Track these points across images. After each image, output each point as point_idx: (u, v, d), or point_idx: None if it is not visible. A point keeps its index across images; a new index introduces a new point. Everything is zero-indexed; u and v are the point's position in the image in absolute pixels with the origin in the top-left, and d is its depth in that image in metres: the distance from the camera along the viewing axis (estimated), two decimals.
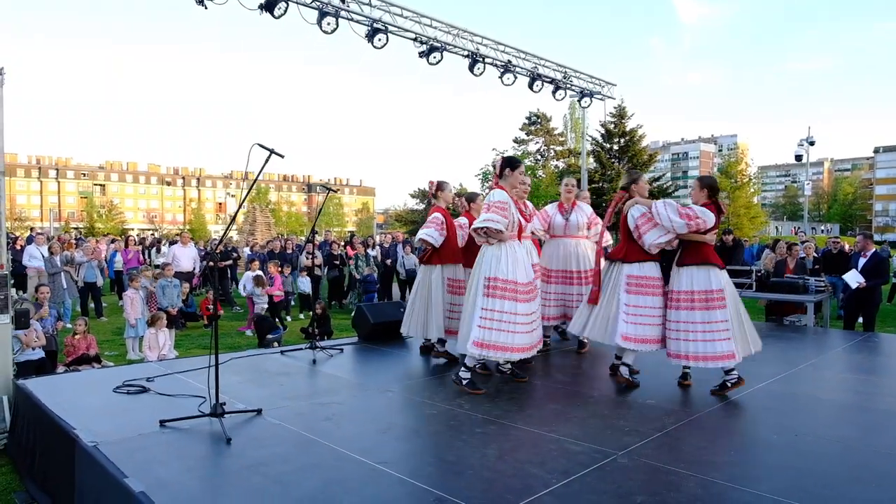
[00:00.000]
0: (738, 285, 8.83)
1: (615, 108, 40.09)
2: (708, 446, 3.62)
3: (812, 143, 22.98)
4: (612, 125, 39.79)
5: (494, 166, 4.94)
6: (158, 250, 17.07)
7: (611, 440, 3.64)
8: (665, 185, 40.82)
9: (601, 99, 11.65)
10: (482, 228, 4.55)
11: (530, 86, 10.28)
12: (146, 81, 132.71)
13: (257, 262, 11.19)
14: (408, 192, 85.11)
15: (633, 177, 5.08)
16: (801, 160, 24.67)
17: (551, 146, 46.86)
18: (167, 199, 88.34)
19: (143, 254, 15.91)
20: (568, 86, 10.74)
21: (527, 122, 46.28)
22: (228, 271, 13.98)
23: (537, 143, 46.29)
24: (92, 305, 11.79)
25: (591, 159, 45.07)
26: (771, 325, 8.93)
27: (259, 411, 4.08)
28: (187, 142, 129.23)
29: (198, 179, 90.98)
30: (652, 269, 4.85)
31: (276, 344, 8.55)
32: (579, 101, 11.40)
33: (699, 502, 2.81)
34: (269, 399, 4.43)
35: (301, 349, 6.27)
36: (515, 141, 44.61)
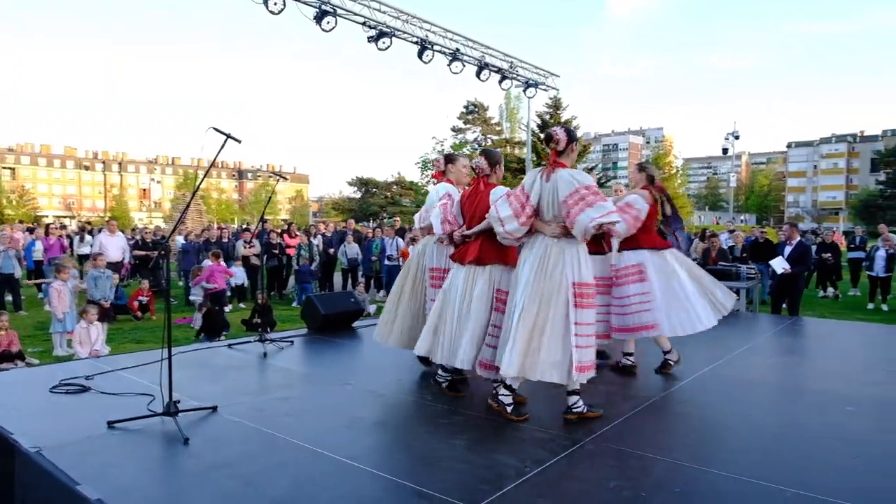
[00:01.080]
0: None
1: (550, 98, 40.79)
2: (669, 430, 3.74)
3: (737, 137, 24.16)
4: (548, 116, 40.48)
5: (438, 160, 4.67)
6: (82, 239, 16.09)
7: (577, 427, 3.68)
8: (598, 177, 41.95)
9: (545, 89, 11.79)
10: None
11: (478, 75, 10.27)
12: (53, 61, 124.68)
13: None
14: (345, 180, 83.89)
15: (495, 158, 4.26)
16: (727, 153, 25.88)
17: (488, 135, 47.20)
18: (85, 184, 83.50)
19: (66, 242, 14.96)
20: (514, 76, 10.80)
21: (464, 110, 46.41)
22: (161, 261, 13.36)
23: (475, 132, 46.50)
24: (9, 298, 11.02)
25: (526, 149, 45.85)
26: None
27: (215, 408, 3.90)
28: (108, 124, 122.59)
29: (120, 164, 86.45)
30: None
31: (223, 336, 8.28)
32: (524, 90, 11.50)
33: (671, 484, 2.89)
34: (224, 395, 4.24)
35: (249, 342, 6.06)
36: (453, 130, 44.65)
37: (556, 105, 39.23)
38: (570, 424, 3.71)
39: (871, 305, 11.47)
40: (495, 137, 47.26)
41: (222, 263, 10.55)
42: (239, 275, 11.98)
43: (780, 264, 9.59)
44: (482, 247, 4.00)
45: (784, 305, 9.77)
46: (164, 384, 3.62)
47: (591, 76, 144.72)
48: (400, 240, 12.48)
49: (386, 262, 12.41)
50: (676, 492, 2.82)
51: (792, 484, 2.89)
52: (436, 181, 4.94)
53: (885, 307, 11.25)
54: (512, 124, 56.11)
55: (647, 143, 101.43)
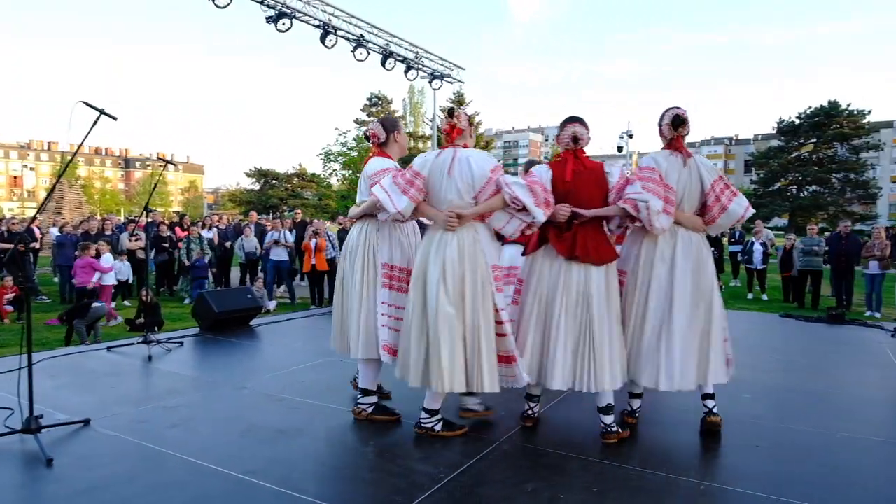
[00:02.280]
0: None
1: (454, 94, 41.08)
2: (580, 427, 3.67)
3: (631, 136, 25.33)
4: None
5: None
6: None
7: (489, 428, 3.55)
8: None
9: (450, 82, 11.69)
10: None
11: (383, 63, 9.97)
12: None
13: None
14: (242, 171, 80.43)
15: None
16: (621, 151, 27.07)
17: None
18: None
19: None
20: (420, 66, 10.59)
21: (368, 102, 45.72)
22: (31, 255, 12.05)
23: None
24: None
25: (430, 144, 45.84)
26: None
27: (86, 422, 3.43)
28: None
29: None
30: None
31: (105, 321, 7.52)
32: (430, 82, 11.33)
33: (586, 483, 2.80)
34: (99, 406, 3.76)
35: (132, 344, 5.48)
36: (356, 122, 43.85)
37: (458, 100, 39.50)
38: (480, 426, 3.58)
39: (750, 295, 12.28)
40: None
41: (91, 258, 9.49)
42: (123, 270, 11.00)
43: None
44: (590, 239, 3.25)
45: None
46: (23, 395, 3.13)
47: (491, 75, 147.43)
48: (288, 233, 11.75)
49: (272, 256, 11.56)
50: (595, 491, 2.73)
51: (701, 476, 2.90)
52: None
53: (764, 297, 12.09)
54: (416, 118, 56.05)
55: (546, 140, 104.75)
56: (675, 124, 3.36)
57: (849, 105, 38.27)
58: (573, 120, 3.38)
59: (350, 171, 37.14)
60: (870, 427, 3.66)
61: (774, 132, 43.88)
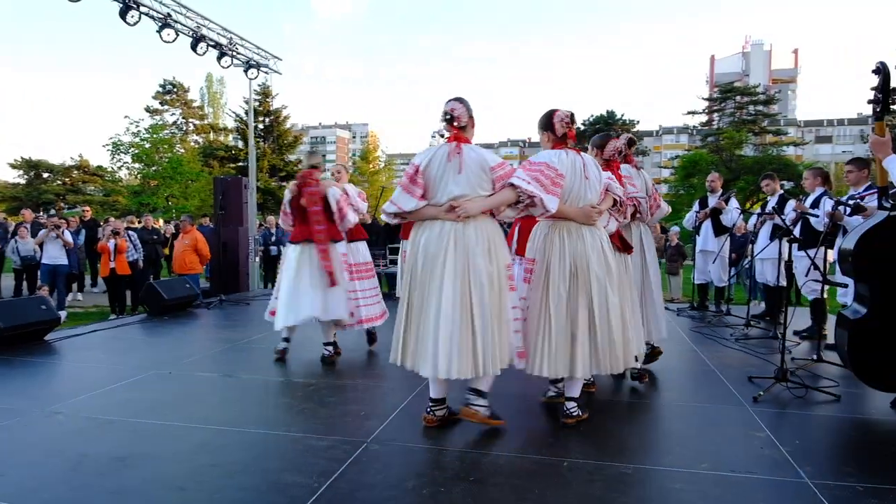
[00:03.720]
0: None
1: (259, 86, 39.19)
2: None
3: (443, 136, 26.22)
4: (257, 103, 38.83)
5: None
6: None
7: (353, 428, 3.47)
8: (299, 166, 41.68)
9: (267, 72, 11.13)
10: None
11: (193, 47, 9.14)
12: None
13: None
14: (6, 162, 69.00)
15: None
16: None
17: (190, 119, 43.36)
18: None
19: None
20: (234, 53, 9.92)
21: (160, 90, 41.80)
22: None
23: (174, 114, 42.24)
24: None
25: (232, 137, 43.23)
26: None
27: None
28: None
29: None
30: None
31: None
32: (245, 71, 10.67)
33: (463, 473, 2.86)
34: None
35: None
36: (148, 110, 39.91)
37: (265, 93, 37.79)
38: (342, 425, 3.49)
39: None
40: (198, 122, 43.68)
41: None
42: None
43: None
44: None
45: None
46: None
47: (295, 69, 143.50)
48: (68, 232, 10.28)
49: (44, 259, 9.86)
50: (472, 480, 2.81)
51: (578, 455, 3.12)
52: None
53: None
54: (215, 109, 52.52)
55: (354, 137, 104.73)
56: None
57: (623, 115, 43.75)
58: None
59: (142, 165, 33.64)
60: (686, 394, 4.25)
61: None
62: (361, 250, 5.56)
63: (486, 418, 3.41)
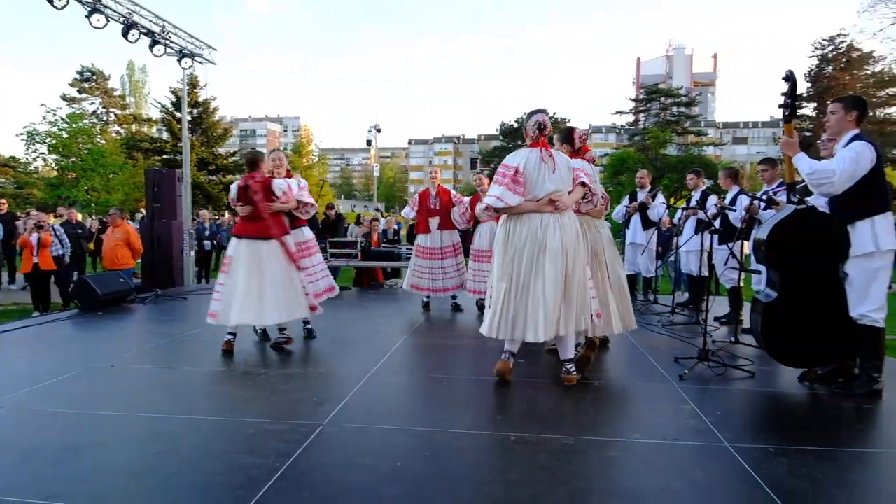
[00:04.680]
0: (346, 255, 9.57)
1: (187, 75, 37.80)
2: (393, 402, 3.88)
3: (379, 130, 26.27)
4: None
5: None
6: None
7: (307, 413, 3.56)
8: (242, 162, 40.54)
9: (201, 62, 10.85)
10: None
11: (125, 34, 8.81)
12: None
13: None
14: None
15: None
16: (370, 144, 27.93)
17: (111, 108, 41.39)
18: None
19: None
20: (167, 42, 9.63)
21: (78, 77, 39.72)
22: None
23: (94, 103, 40.22)
24: None
25: (156, 129, 41.53)
26: (374, 291, 9.98)
27: None
28: None
29: None
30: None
31: None
32: (179, 60, 10.37)
33: (417, 450, 3.02)
34: None
35: None
36: (65, 99, 37.84)
37: (192, 83, 36.51)
38: (295, 410, 3.58)
39: None
40: (120, 112, 41.76)
41: None
42: None
43: None
44: None
45: None
46: None
47: (225, 60, 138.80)
48: None
49: None
50: (427, 455, 2.97)
51: (523, 430, 3.32)
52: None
53: None
54: (137, 99, 50.32)
55: (286, 130, 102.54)
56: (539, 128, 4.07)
57: (555, 113, 44.86)
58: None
59: (60, 156, 31.85)
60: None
61: (497, 133, 49.42)
62: (305, 232, 5.64)
63: (577, 378, 4.15)
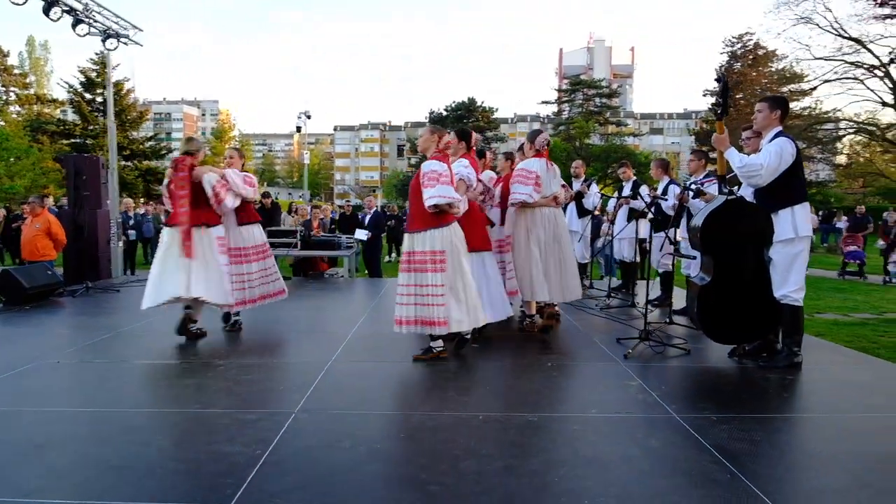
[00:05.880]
0: (284, 245, 9.50)
1: (96, 54, 35.68)
2: (359, 387, 3.99)
3: (309, 117, 25.75)
4: (94, 73, 35.38)
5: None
6: None
7: (277, 401, 3.63)
8: (158, 147, 38.72)
9: (126, 43, 10.35)
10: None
11: (46, 12, 8.29)
12: None
13: None
14: None
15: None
16: (300, 131, 27.34)
17: (10, 88, 38.45)
18: None
19: None
20: (91, 20, 9.14)
21: None
22: None
23: None
24: None
25: (60, 111, 38.93)
26: (316, 281, 9.95)
27: None
28: None
29: None
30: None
31: None
32: (104, 41, 9.87)
33: (393, 431, 3.17)
34: None
35: None
36: None
37: (103, 63, 34.47)
38: (264, 399, 3.64)
39: None
40: (22, 91, 38.87)
41: None
42: None
43: (364, 234, 10.94)
44: None
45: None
46: None
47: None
48: None
49: None
50: (402, 437, 3.12)
51: (490, 409, 3.51)
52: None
53: None
54: (38, 78, 47.01)
55: (204, 115, 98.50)
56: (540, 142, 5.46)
57: (483, 102, 45.46)
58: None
59: None
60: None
61: (426, 121, 49.47)
62: (255, 234, 5.59)
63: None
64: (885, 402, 3.74)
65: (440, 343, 4.53)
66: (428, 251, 4.36)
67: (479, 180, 5.18)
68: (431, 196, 4.26)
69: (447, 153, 4.63)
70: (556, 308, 5.98)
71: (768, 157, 4.09)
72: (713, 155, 4.66)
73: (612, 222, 8.13)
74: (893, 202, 30.56)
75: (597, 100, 45.43)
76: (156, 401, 3.65)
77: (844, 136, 27.95)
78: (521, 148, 5.83)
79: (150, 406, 3.53)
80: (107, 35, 9.80)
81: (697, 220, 4.49)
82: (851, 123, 26.19)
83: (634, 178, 8.11)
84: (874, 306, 9.35)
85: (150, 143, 37.22)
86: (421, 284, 4.38)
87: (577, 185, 8.57)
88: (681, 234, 6.19)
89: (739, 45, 39.88)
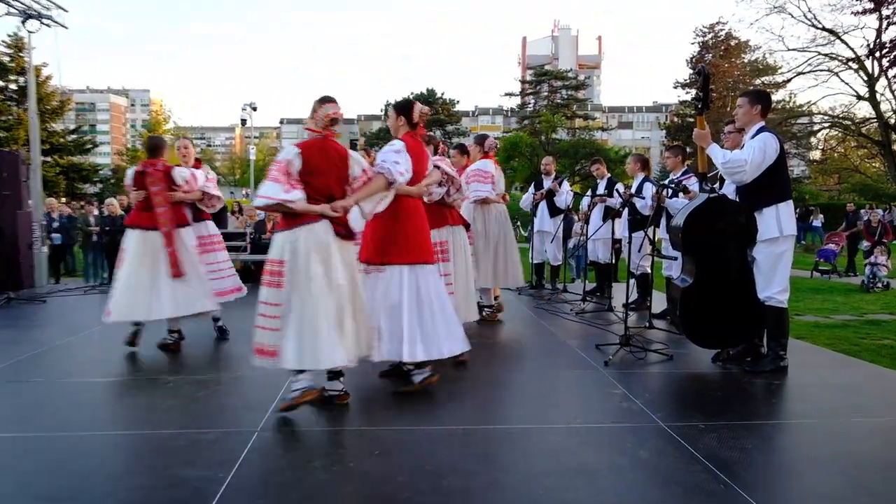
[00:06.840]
0: (233, 249, 9.40)
1: (9, 36, 34.39)
2: (325, 403, 3.98)
3: (255, 109, 25.37)
4: (8, 58, 34.08)
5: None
6: None
7: (237, 419, 3.61)
8: (82, 141, 37.57)
9: (49, 25, 10.05)
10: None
11: None
12: None
13: None
14: None
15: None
16: (245, 124, 26.93)
17: None
18: None
19: None
20: (8, 1, 8.84)
21: None
22: None
23: None
24: None
25: (29, 100, 37.29)
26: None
27: None
28: None
29: None
30: None
31: None
32: (24, 22, 9.56)
33: (366, 449, 3.18)
34: None
35: None
36: None
37: (17, 46, 33.24)
38: (223, 417, 3.61)
39: None
40: None
41: None
42: None
43: None
44: None
45: None
46: None
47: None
48: None
49: None
50: (377, 454, 3.14)
51: (468, 422, 3.55)
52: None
53: None
54: None
55: (133, 105, 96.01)
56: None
57: (443, 93, 45.62)
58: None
59: None
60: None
61: (381, 114, 49.39)
62: (209, 226, 5.56)
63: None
64: (874, 404, 3.95)
65: (304, 381, 3.58)
66: (268, 259, 3.59)
67: (437, 166, 4.57)
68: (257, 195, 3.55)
69: (418, 132, 4.20)
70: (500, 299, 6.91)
71: (752, 152, 4.26)
72: (690, 150, 4.83)
73: (586, 222, 8.29)
74: (869, 199, 31.96)
75: (563, 92, 46.13)
76: (102, 423, 3.58)
77: (819, 130, 29.04)
78: (464, 151, 6.59)
79: (96, 429, 3.45)
80: (27, 16, 9.50)
81: (679, 220, 4.64)
82: (826, 118, 27.26)
83: (608, 175, 8.30)
84: (854, 308, 9.77)
85: (72, 136, 36.07)
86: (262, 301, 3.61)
87: (547, 183, 8.70)
88: (660, 234, 6.37)
89: (711, 36, 41.12)
